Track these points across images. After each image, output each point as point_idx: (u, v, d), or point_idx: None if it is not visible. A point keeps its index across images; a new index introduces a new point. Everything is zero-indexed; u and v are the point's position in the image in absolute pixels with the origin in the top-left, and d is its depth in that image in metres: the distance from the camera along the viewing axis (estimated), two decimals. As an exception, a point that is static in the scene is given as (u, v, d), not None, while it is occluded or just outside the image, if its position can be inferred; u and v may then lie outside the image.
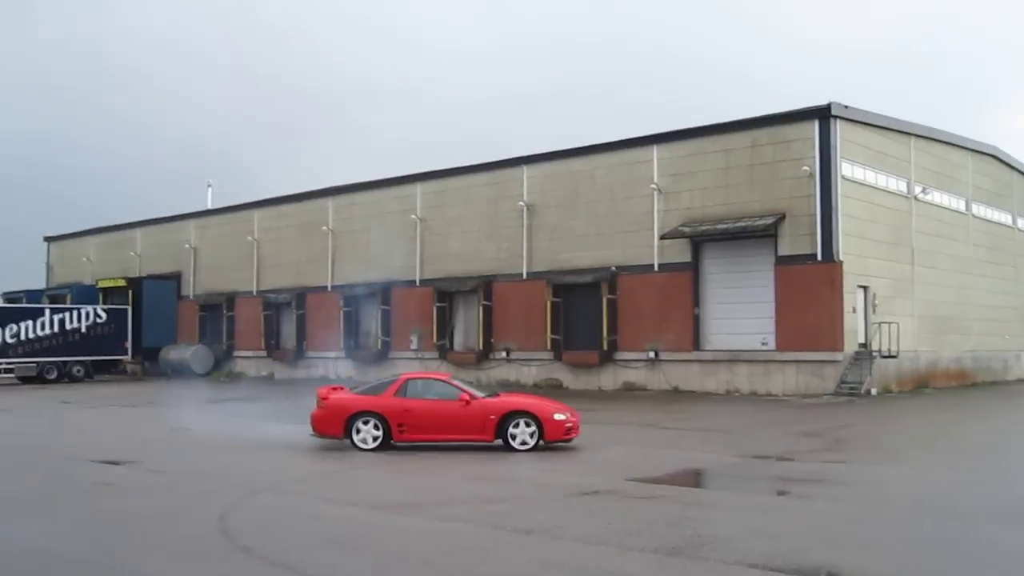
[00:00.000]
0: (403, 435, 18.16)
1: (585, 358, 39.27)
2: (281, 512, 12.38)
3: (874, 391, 33.19)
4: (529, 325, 40.80)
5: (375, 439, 18.10)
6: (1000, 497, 13.61)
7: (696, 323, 36.39)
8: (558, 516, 11.79)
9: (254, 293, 53.76)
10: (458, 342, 44.86)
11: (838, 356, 33.04)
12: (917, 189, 38.50)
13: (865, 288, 34.68)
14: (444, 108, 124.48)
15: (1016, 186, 48.44)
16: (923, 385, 36.96)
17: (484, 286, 42.85)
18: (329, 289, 49.66)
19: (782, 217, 34.01)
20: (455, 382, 19.40)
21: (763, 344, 34.59)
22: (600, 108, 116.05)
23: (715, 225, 35.43)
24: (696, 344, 36.30)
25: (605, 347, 38.60)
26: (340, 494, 13.97)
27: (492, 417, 18.12)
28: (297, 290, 51.11)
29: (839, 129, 33.82)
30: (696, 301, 36.41)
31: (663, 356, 37.00)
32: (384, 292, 46.62)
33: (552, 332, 40.17)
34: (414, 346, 45.32)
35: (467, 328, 44.47)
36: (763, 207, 34.66)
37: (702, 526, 11.06)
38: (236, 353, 54.59)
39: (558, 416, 18.35)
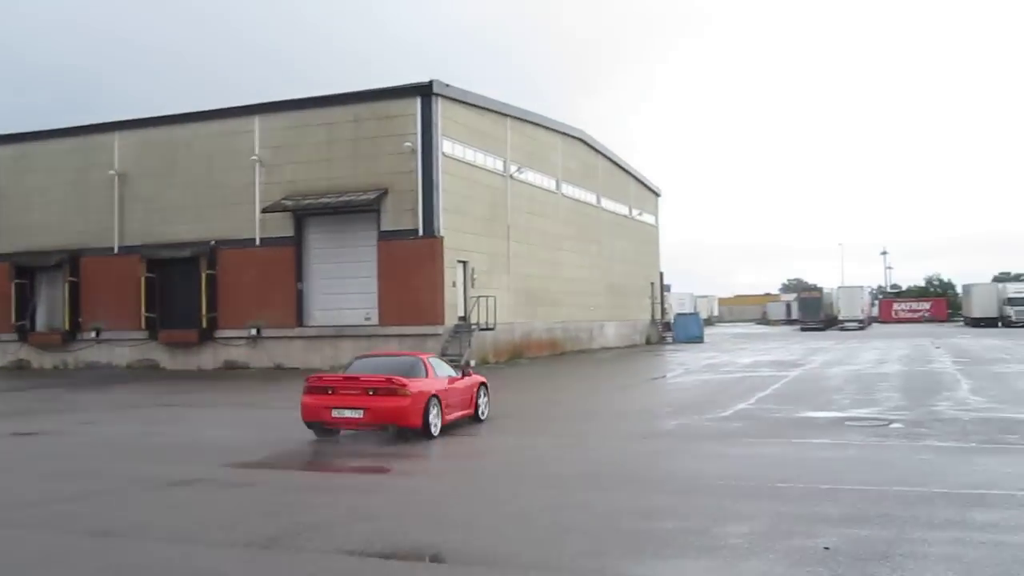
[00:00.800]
0: (445, 416, 16.54)
1: (184, 336, 37.42)
2: None
3: (473, 363, 33.88)
4: (121, 303, 38.18)
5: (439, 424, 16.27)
6: (586, 462, 14.20)
7: (300, 299, 35.83)
8: (143, 513, 10.66)
9: None
10: (41, 322, 41.19)
11: (439, 329, 33.81)
12: (512, 168, 40.23)
13: (464, 263, 35.74)
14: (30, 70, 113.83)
15: (600, 168, 52.17)
16: (518, 355, 38.82)
17: (71, 261, 39.60)
18: None
19: (385, 192, 34.18)
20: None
21: (366, 319, 34.68)
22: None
23: (318, 199, 34.96)
24: (300, 320, 35.75)
25: (205, 325, 37.01)
26: None
27: (473, 391, 18.05)
28: None
29: (440, 107, 34.50)
30: (299, 276, 35.84)
31: (265, 333, 36.11)
32: (-49, 268, 41.86)
33: (147, 310, 37.88)
34: (-12, 328, 41.08)
35: (51, 307, 40.91)
36: (367, 182, 34.64)
37: (300, 512, 10.52)
38: None
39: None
